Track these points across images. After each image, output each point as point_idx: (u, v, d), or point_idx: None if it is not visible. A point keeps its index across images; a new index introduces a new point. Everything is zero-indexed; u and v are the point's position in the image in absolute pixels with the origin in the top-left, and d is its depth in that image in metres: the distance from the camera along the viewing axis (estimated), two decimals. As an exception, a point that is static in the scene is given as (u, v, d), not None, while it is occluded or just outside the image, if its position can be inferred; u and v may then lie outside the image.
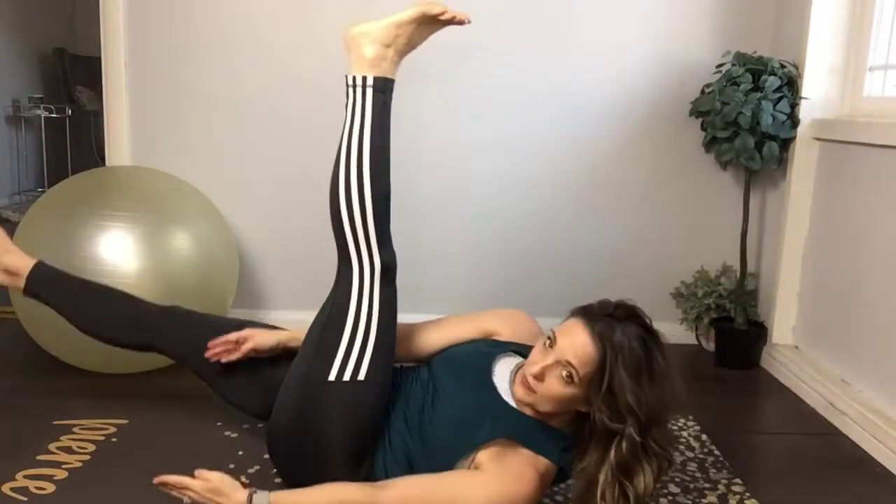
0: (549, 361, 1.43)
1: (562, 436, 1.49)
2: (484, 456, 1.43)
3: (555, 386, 1.42)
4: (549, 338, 1.46)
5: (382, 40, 1.57)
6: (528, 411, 1.49)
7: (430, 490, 1.41)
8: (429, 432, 1.52)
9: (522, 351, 1.63)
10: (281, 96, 2.69)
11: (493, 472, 1.41)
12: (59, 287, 1.82)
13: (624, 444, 1.36)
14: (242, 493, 1.36)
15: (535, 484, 1.41)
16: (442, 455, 1.47)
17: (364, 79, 1.56)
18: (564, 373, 1.40)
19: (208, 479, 1.38)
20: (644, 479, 1.37)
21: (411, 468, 1.52)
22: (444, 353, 1.68)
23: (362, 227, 1.54)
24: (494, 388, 1.55)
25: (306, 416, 1.53)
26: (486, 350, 1.64)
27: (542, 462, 1.44)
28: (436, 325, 1.74)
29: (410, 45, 1.62)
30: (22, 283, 1.80)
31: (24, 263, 1.80)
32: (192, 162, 2.69)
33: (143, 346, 1.82)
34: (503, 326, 1.72)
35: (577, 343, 1.41)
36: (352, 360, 1.52)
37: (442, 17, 1.60)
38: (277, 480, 1.66)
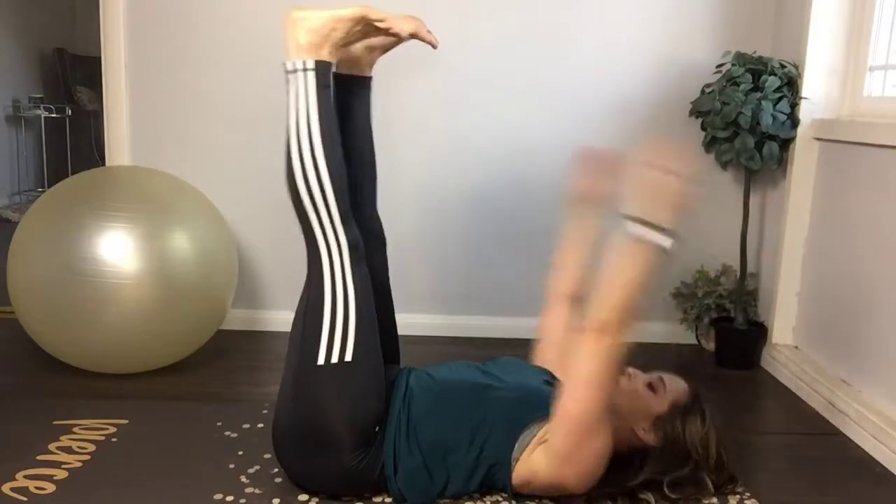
0: (645, 374, 1.67)
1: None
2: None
3: (637, 387, 1.63)
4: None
5: (319, 30, 1.59)
6: None
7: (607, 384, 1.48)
8: (489, 403, 1.58)
9: None
10: (281, 96, 2.68)
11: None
12: None
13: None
14: None
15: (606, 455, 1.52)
16: (500, 424, 1.55)
17: (304, 63, 1.58)
18: (652, 382, 1.64)
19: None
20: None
21: (431, 448, 1.55)
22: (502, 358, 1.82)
23: (325, 208, 1.57)
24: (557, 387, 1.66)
25: (304, 406, 1.54)
26: (548, 372, 1.78)
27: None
28: None
29: (346, 42, 1.64)
30: None
31: None
32: (192, 162, 2.70)
33: None
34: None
35: (671, 376, 1.68)
36: (336, 342, 1.54)
37: (379, 25, 1.63)
38: (278, 480, 1.66)
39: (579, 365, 1.46)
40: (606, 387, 1.46)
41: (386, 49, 1.79)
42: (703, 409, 1.62)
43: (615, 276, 1.47)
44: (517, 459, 1.54)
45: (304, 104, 1.58)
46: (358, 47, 1.74)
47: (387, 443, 1.56)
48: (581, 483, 1.52)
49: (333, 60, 1.62)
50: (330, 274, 1.58)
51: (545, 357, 1.88)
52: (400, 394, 1.61)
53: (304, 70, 1.58)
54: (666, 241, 1.46)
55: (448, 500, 1.60)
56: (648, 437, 1.60)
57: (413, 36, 1.68)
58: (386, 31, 1.65)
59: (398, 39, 1.73)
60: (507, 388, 1.62)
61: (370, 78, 1.81)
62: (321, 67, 1.59)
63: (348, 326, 1.56)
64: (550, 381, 1.71)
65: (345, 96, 1.76)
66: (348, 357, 1.54)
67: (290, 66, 1.59)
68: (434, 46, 1.71)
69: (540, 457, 1.53)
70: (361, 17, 1.61)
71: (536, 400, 1.58)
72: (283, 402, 1.59)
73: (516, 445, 1.54)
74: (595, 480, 1.53)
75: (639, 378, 1.66)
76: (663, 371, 1.69)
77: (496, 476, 1.57)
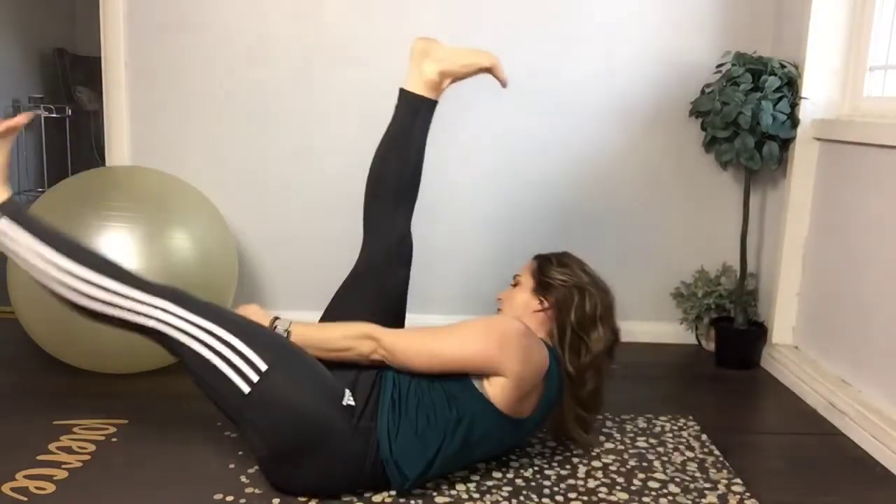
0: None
1: (549, 346, 1.74)
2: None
3: (510, 296, 1.86)
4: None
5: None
6: None
7: (427, 335, 1.65)
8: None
9: None
10: (281, 96, 2.69)
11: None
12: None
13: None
14: (267, 320, 1.67)
15: (518, 322, 1.65)
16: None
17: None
18: (511, 283, 1.89)
19: (245, 310, 1.71)
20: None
21: (424, 419, 1.59)
22: None
23: (116, 297, 1.57)
24: None
25: (275, 432, 1.53)
26: None
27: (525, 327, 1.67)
28: None
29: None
30: None
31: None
32: (192, 162, 2.70)
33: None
34: None
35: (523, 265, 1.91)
36: (242, 366, 1.53)
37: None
38: (278, 488, 1.66)
39: (416, 367, 1.64)
40: (429, 339, 1.64)
41: (457, 80, 1.92)
42: (548, 258, 1.87)
43: (322, 348, 1.69)
44: (485, 389, 1.61)
45: (17, 251, 1.63)
46: (434, 72, 1.87)
47: (380, 427, 1.56)
48: (532, 353, 1.63)
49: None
50: (180, 332, 1.55)
51: None
52: (389, 380, 1.63)
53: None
54: (281, 330, 1.67)
55: (448, 500, 1.60)
56: (544, 304, 1.80)
57: (490, 71, 1.90)
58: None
59: (472, 74, 1.91)
60: None
61: (436, 102, 1.90)
62: (8, 209, 1.64)
63: (235, 346, 1.54)
64: None
65: (412, 115, 1.86)
66: (262, 366, 1.52)
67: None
68: (504, 85, 1.93)
69: (495, 382, 1.60)
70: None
71: None
72: (255, 442, 1.57)
73: (474, 384, 1.61)
74: (539, 348, 1.65)
75: (504, 292, 1.90)
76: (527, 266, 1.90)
77: (481, 421, 1.61)
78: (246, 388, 1.52)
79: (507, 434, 1.68)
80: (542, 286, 1.82)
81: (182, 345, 1.56)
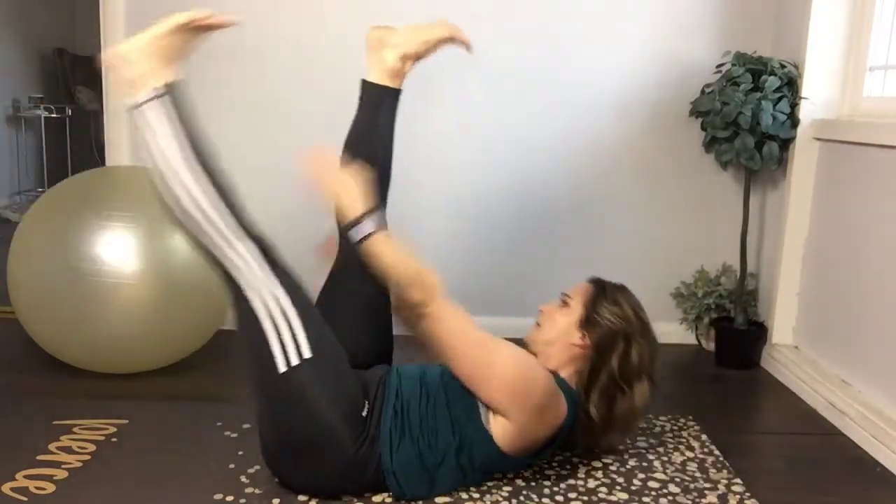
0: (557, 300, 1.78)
1: (571, 390, 1.68)
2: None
3: (553, 315, 1.75)
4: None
5: (142, 55, 1.54)
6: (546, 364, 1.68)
7: (471, 333, 1.56)
8: (447, 382, 1.61)
9: None
10: (280, 96, 2.69)
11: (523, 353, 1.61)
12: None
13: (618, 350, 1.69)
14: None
15: (552, 383, 1.58)
16: (460, 401, 1.58)
17: (136, 103, 1.51)
18: (560, 302, 1.77)
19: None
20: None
21: (425, 438, 1.56)
22: None
23: (211, 227, 1.52)
24: None
25: (287, 418, 1.53)
26: None
27: (557, 388, 1.60)
28: None
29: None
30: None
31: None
32: (192, 162, 2.69)
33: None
34: None
35: (575, 285, 1.80)
36: (289, 344, 1.50)
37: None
38: (278, 480, 1.66)
39: (440, 349, 1.54)
40: (471, 339, 1.55)
41: (419, 59, 1.85)
42: (605, 289, 1.76)
43: (385, 272, 1.53)
44: (489, 423, 1.56)
45: (155, 139, 1.50)
46: (395, 58, 1.81)
47: (382, 435, 1.55)
48: (546, 414, 1.58)
49: (171, 79, 1.55)
50: (248, 284, 1.51)
51: None
52: (392, 389, 1.62)
53: (146, 103, 1.50)
54: (369, 227, 1.52)
55: (448, 500, 1.60)
56: (585, 341, 1.70)
57: (451, 40, 1.82)
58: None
59: (434, 49, 1.83)
60: None
61: (400, 91, 1.85)
62: (155, 95, 1.51)
63: (292, 324, 1.51)
64: None
65: (376, 107, 1.81)
66: (307, 353, 1.50)
67: (131, 106, 1.52)
68: (469, 49, 1.86)
69: (500, 422, 1.56)
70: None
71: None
72: (265, 424, 1.58)
73: (480, 413, 1.57)
74: (555, 409, 1.59)
75: (549, 306, 1.79)
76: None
77: (480, 453, 1.58)
78: (282, 367, 1.49)
79: (509, 464, 1.66)
80: (589, 321, 1.71)
81: (243, 297, 1.51)
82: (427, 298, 1.51)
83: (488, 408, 1.56)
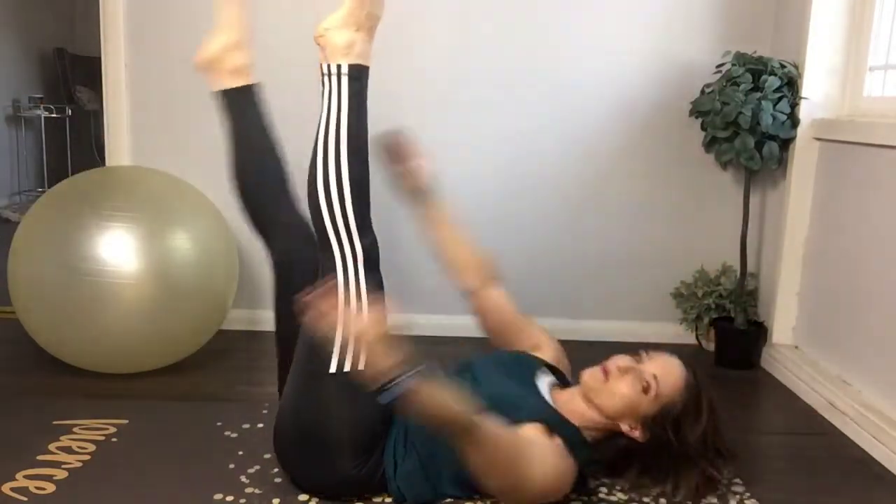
0: (638, 365, 1.58)
1: (588, 448, 1.58)
2: (530, 429, 1.50)
3: (625, 388, 1.56)
4: (638, 353, 1.62)
5: (349, 24, 1.57)
6: (572, 416, 1.58)
7: (513, 436, 1.45)
8: None
9: (557, 374, 1.76)
10: (280, 96, 2.68)
11: (548, 442, 1.49)
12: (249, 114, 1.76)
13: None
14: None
15: (572, 466, 1.51)
16: None
17: (339, 67, 1.57)
18: (644, 383, 1.55)
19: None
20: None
21: (429, 455, 1.54)
22: (489, 355, 1.77)
23: (342, 215, 1.54)
24: (537, 388, 1.64)
25: (310, 412, 1.53)
26: (531, 360, 1.75)
27: (571, 459, 1.51)
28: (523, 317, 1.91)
29: (373, 18, 1.61)
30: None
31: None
32: (192, 162, 2.69)
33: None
34: (548, 346, 1.86)
35: (669, 368, 1.59)
36: (349, 351, 1.50)
37: None
38: (278, 480, 1.66)
39: (473, 469, 1.42)
40: (503, 468, 1.42)
41: (378, 19, 1.68)
42: (700, 408, 1.56)
43: (423, 420, 1.38)
44: None
45: (335, 109, 1.57)
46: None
47: (387, 449, 1.56)
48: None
49: (368, 62, 1.60)
50: (344, 281, 1.54)
51: (528, 342, 1.86)
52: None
53: (339, 74, 1.57)
54: (405, 385, 1.29)
55: (448, 500, 1.60)
56: (635, 433, 1.58)
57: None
58: None
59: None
60: (480, 397, 1.53)
61: (368, 68, 1.75)
62: (355, 71, 1.57)
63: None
64: (534, 378, 1.69)
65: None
66: (361, 366, 1.48)
67: (324, 69, 1.58)
68: None
69: None
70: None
71: (506, 408, 1.51)
72: (289, 407, 1.58)
73: None
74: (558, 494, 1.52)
75: (631, 373, 1.57)
76: (662, 355, 1.62)
77: None
78: (333, 367, 1.50)
79: None
80: (654, 425, 1.56)
81: (334, 287, 1.53)
82: (467, 440, 1.37)
83: None
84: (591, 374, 1.61)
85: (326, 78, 1.58)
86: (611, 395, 1.57)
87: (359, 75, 1.58)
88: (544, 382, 1.71)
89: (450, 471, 1.56)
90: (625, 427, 1.59)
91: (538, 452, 1.47)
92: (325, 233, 1.56)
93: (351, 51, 1.56)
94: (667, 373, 1.58)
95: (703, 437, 1.55)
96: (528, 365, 1.74)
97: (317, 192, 1.55)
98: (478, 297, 1.90)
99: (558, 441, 1.52)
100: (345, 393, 1.51)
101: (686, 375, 1.59)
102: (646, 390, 1.55)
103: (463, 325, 2.77)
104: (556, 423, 1.54)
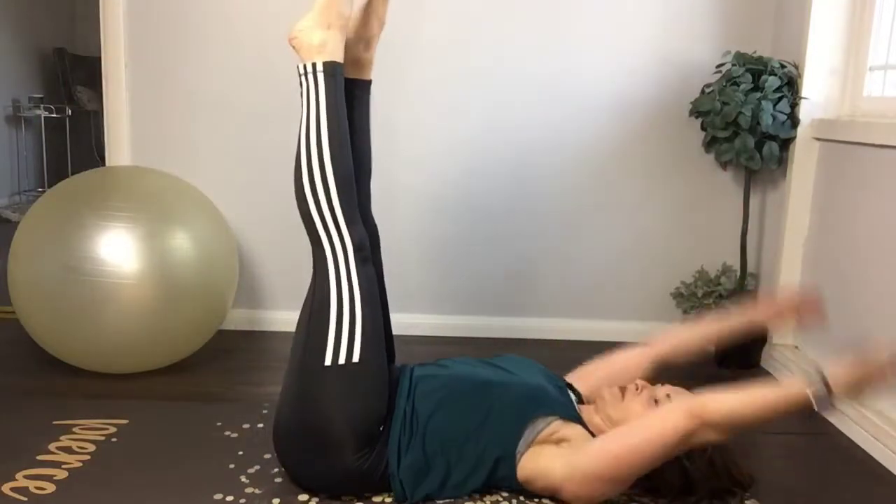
0: (653, 388, 1.66)
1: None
2: (570, 430, 1.57)
3: (639, 406, 1.61)
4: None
5: (321, 24, 1.63)
6: (592, 429, 1.62)
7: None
8: (494, 397, 1.59)
9: (575, 392, 1.77)
10: (280, 96, 2.69)
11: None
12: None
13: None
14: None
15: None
16: (505, 418, 1.56)
17: (314, 65, 1.61)
18: (659, 398, 1.62)
19: None
20: None
21: (434, 448, 1.56)
22: (509, 355, 1.83)
23: (329, 210, 1.58)
24: (569, 397, 1.70)
25: (308, 407, 1.54)
26: (555, 375, 1.78)
27: None
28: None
29: (342, 17, 1.66)
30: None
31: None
32: (192, 162, 2.70)
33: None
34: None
35: (681, 390, 1.65)
36: (343, 343, 1.54)
37: None
38: (278, 480, 1.66)
39: (652, 423, 1.48)
40: (652, 460, 1.47)
41: (373, 39, 1.79)
42: (723, 463, 1.61)
43: (757, 392, 1.48)
44: (522, 454, 1.56)
45: (314, 106, 1.61)
46: (358, 46, 1.76)
47: (391, 440, 1.56)
48: (577, 501, 1.54)
49: (341, 59, 1.64)
50: (335, 274, 1.58)
51: (592, 375, 1.85)
52: (404, 392, 1.62)
53: (315, 72, 1.61)
54: (824, 407, 1.43)
55: (448, 501, 1.60)
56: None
57: None
58: None
59: (381, 24, 1.78)
60: (514, 382, 1.63)
61: (370, 81, 1.83)
62: (329, 68, 1.61)
63: (355, 327, 1.56)
64: (561, 386, 1.73)
65: (346, 100, 1.75)
66: (355, 358, 1.54)
67: (300, 70, 1.63)
68: None
69: (556, 461, 1.54)
70: None
71: (542, 395, 1.60)
72: (287, 403, 1.59)
73: (521, 440, 1.56)
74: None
75: (644, 393, 1.65)
76: (672, 386, 1.67)
77: (500, 470, 1.58)
78: (328, 361, 1.53)
79: (513, 486, 1.64)
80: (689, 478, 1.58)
81: (326, 282, 1.57)
82: (718, 434, 1.50)
83: (524, 459, 1.56)
84: (609, 392, 1.67)
85: (303, 77, 1.63)
86: (625, 410, 1.62)
87: (333, 71, 1.62)
88: (572, 395, 1.73)
89: (456, 465, 1.56)
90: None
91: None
92: (315, 230, 1.60)
93: (324, 49, 1.62)
94: (679, 393, 1.64)
95: (712, 461, 1.58)
96: (555, 377, 1.77)
97: (303, 189, 1.59)
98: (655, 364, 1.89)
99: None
100: (341, 384, 1.52)
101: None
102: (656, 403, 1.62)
103: (463, 325, 2.80)
104: (585, 426, 1.63)
